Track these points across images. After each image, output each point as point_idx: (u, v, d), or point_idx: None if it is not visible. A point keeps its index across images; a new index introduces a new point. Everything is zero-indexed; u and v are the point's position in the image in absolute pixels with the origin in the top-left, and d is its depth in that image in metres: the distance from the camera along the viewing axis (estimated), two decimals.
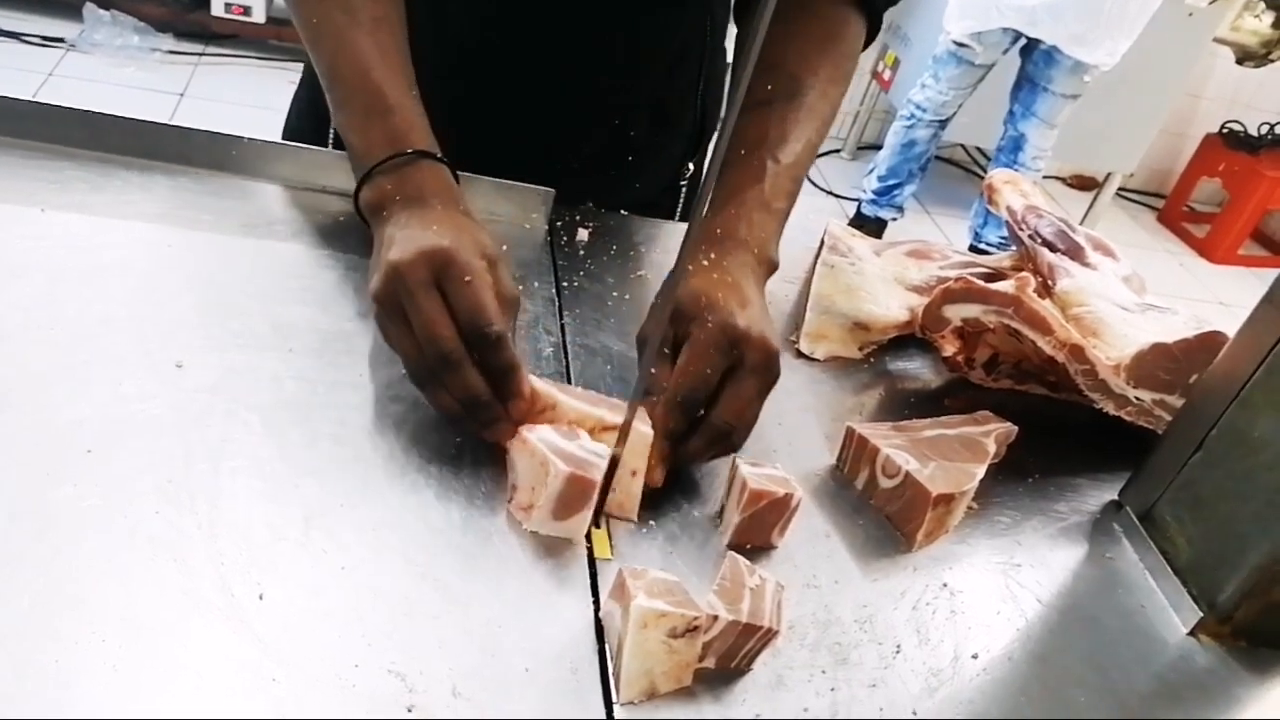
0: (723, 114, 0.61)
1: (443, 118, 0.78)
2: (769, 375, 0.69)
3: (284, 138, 1.06)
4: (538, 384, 0.66)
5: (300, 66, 1.07)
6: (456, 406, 0.64)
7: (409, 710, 0.50)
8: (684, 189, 1.14)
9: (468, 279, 0.64)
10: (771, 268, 0.78)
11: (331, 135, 1.01)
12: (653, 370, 0.68)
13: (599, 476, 0.61)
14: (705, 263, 0.73)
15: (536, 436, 0.63)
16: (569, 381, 0.76)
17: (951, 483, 0.70)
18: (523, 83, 0.96)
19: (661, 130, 1.05)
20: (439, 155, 0.74)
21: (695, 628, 0.55)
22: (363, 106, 0.75)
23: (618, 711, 0.54)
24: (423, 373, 0.64)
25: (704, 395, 0.67)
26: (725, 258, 0.74)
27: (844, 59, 0.88)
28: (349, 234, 0.84)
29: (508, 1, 0.93)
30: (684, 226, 0.93)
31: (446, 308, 0.64)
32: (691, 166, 1.13)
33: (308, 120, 1.04)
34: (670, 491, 0.68)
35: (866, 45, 0.92)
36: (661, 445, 0.66)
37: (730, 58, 1.06)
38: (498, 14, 0.93)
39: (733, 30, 1.03)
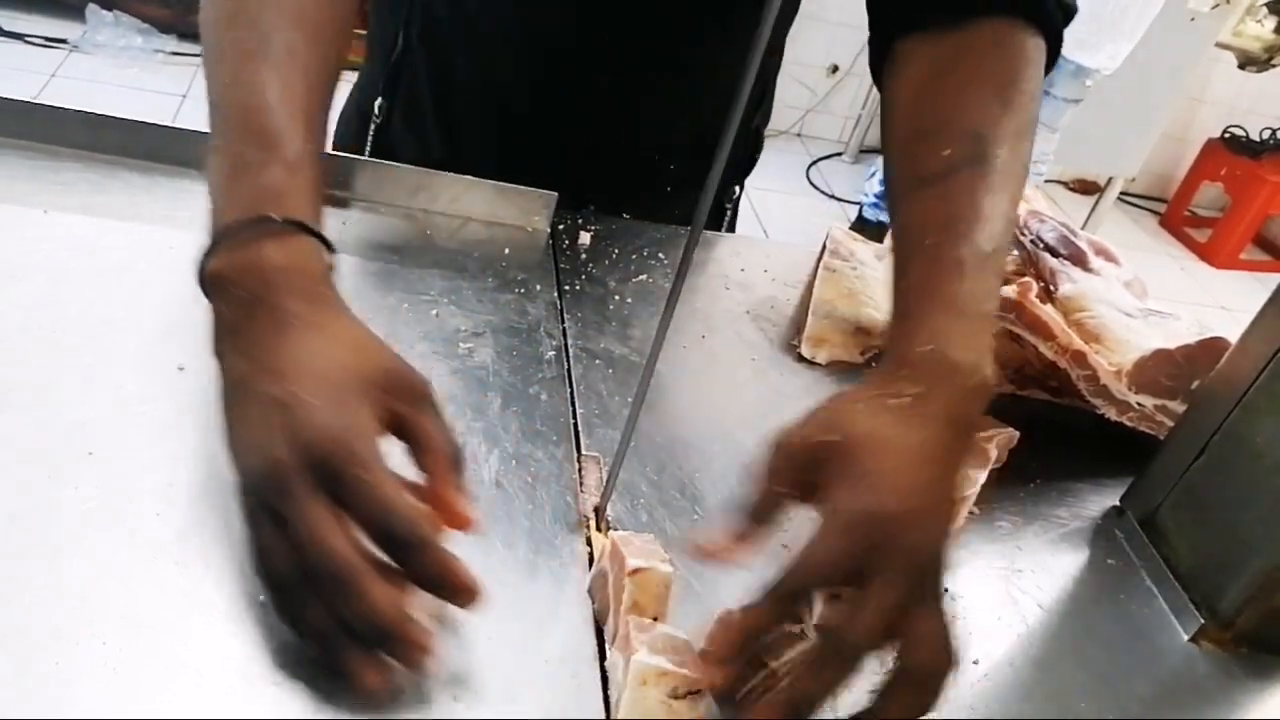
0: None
1: (475, 145, 0.71)
2: (939, 590, 0.53)
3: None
4: None
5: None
6: (334, 636, 0.48)
7: (408, 713, 0.50)
8: (729, 210, 1.11)
9: (364, 468, 0.49)
10: (990, 396, 0.57)
11: (370, 141, 0.99)
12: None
13: None
14: (898, 399, 0.54)
15: None
16: (569, 386, 0.76)
17: None
18: (558, 113, 0.94)
19: (703, 163, 1.04)
20: (312, 227, 0.56)
21: (697, 691, 0.51)
22: (239, 153, 0.57)
23: (616, 714, 0.54)
24: (297, 597, 0.48)
25: (826, 585, 0.53)
26: (930, 393, 0.55)
27: (1030, 102, 0.69)
28: (350, 237, 0.84)
29: (547, 35, 0.90)
30: (686, 230, 0.93)
31: (333, 510, 0.48)
32: (738, 190, 1.11)
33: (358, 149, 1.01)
34: (671, 494, 0.68)
35: (1048, 71, 0.74)
36: (738, 641, 0.51)
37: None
38: (549, 70, 0.91)
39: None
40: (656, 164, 0.99)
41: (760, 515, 0.54)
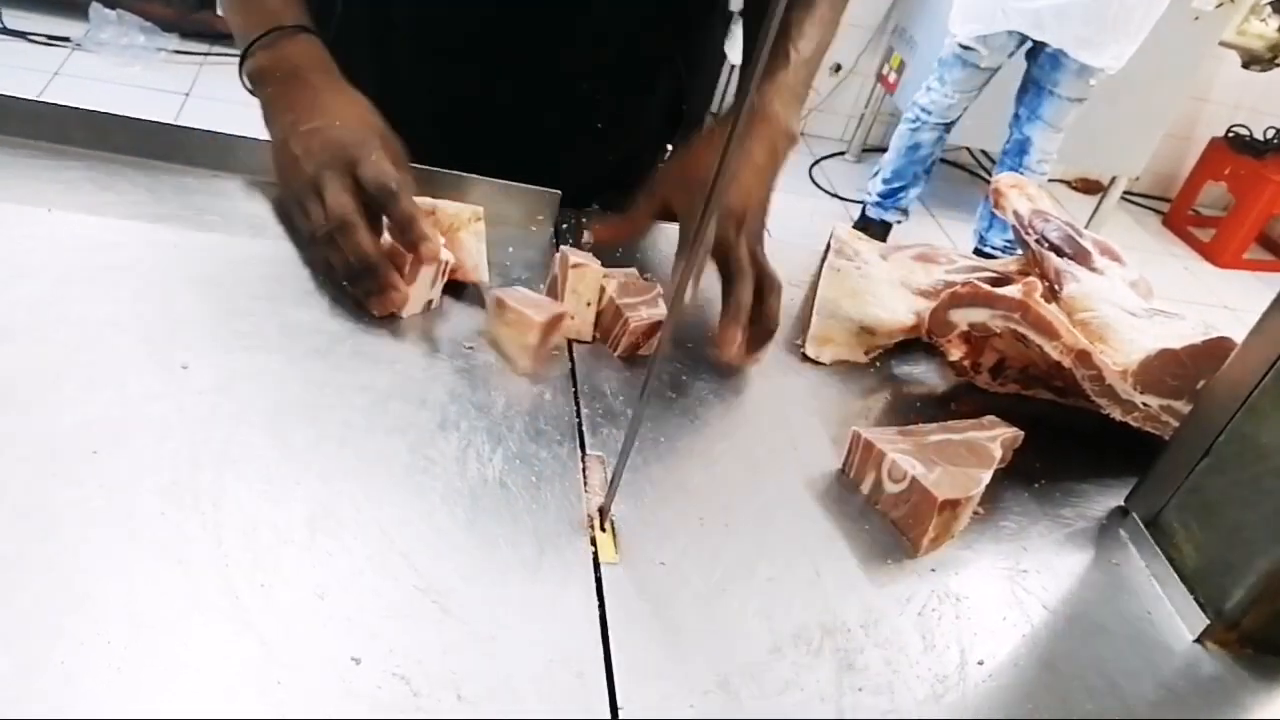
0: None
1: (398, 80, 0.89)
2: (749, 222, 0.83)
3: None
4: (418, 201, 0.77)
5: None
6: (348, 266, 0.74)
7: (413, 713, 0.50)
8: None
9: (374, 160, 0.75)
10: (793, 141, 0.90)
11: None
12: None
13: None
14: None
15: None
16: (573, 386, 0.76)
17: (958, 488, 0.70)
18: (474, 53, 0.98)
19: (628, 100, 1.08)
20: (310, 28, 0.84)
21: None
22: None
23: (623, 714, 0.54)
24: (324, 237, 0.75)
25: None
26: (753, 135, 0.86)
27: None
28: None
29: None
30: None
31: (351, 185, 0.75)
32: (671, 147, 1.14)
33: None
34: (675, 494, 0.68)
35: None
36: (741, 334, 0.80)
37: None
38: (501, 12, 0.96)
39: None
40: (579, 97, 1.04)
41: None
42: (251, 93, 0.84)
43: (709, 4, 1.08)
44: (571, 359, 0.78)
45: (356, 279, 0.75)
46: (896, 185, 3.45)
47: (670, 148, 1.14)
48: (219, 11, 0.99)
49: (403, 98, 0.85)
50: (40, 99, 0.83)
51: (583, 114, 1.05)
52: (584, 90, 1.03)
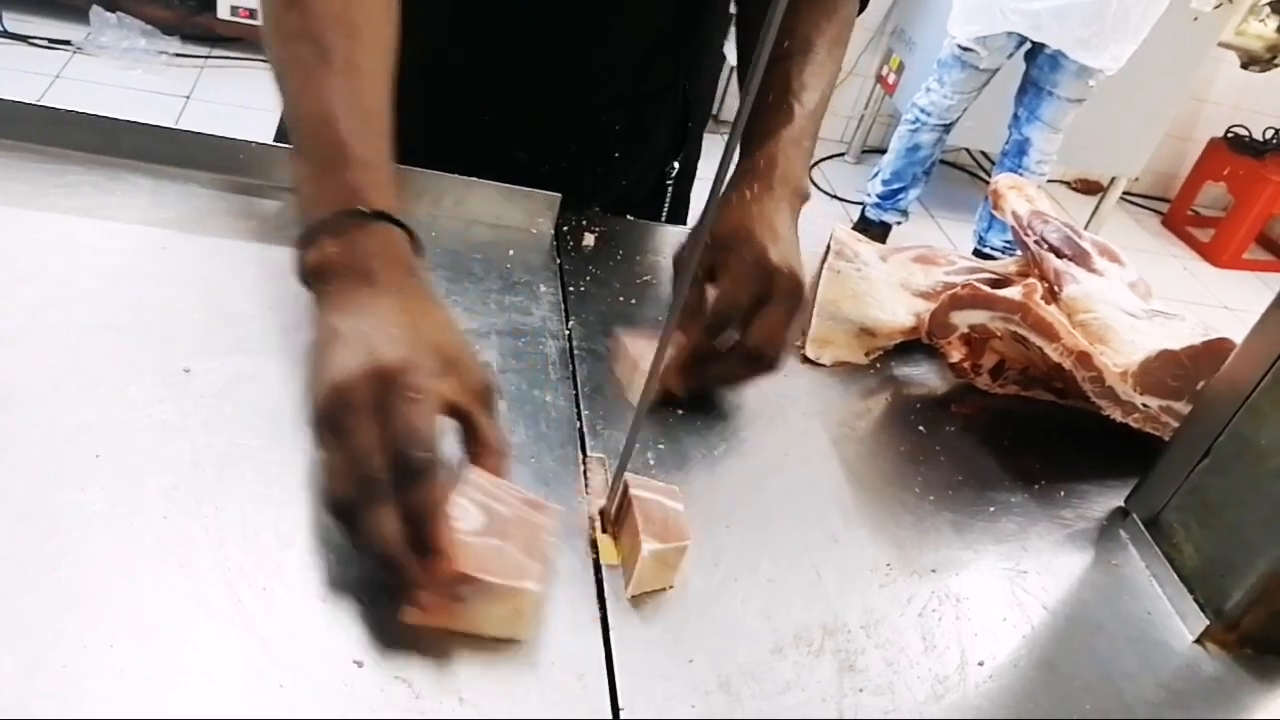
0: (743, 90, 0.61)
1: (414, 115, 0.74)
2: (795, 301, 0.76)
3: (276, 138, 1.06)
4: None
5: None
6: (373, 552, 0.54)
7: (415, 716, 0.50)
8: (670, 188, 1.14)
9: (413, 397, 0.55)
10: (804, 199, 0.86)
11: None
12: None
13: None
14: (747, 195, 0.81)
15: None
16: (574, 388, 0.76)
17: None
18: (494, 79, 0.97)
19: (642, 125, 1.07)
20: (398, 219, 0.64)
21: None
22: (320, 157, 0.65)
23: (624, 714, 0.54)
24: (341, 504, 0.54)
25: (735, 317, 0.75)
26: (764, 193, 0.81)
27: (844, 26, 0.99)
28: None
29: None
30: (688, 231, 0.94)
31: (382, 432, 0.54)
32: (677, 165, 1.14)
33: None
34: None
35: (860, 11, 1.02)
36: (687, 361, 0.75)
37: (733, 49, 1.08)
38: (467, 9, 0.94)
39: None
40: (595, 125, 1.03)
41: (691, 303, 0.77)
42: (306, 281, 0.64)
43: (713, 25, 1.08)
44: (573, 361, 0.78)
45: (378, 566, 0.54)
46: (896, 186, 3.45)
47: (676, 165, 1.13)
48: (265, 42, 0.71)
49: (410, 129, 0.73)
50: (41, 103, 0.83)
51: (595, 144, 1.04)
52: (597, 122, 1.02)
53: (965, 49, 3.15)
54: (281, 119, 1.09)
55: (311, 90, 0.67)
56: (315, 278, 0.63)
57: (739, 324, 0.75)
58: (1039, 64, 3.18)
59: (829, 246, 0.97)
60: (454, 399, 0.58)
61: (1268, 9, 3.68)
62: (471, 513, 0.57)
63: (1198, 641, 0.69)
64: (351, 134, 0.65)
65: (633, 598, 0.60)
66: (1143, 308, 0.89)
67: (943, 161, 3.85)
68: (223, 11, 3.49)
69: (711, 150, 0.90)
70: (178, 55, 3.52)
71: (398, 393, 0.55)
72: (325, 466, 0.55)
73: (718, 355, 0.76)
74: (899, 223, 3.53)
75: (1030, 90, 3.26)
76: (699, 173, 1.16)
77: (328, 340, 0.58)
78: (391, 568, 0.53)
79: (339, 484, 0.54)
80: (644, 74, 1.03)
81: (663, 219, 1.14)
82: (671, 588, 0.62)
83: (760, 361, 0.75)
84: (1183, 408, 0.80)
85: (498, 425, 0.61)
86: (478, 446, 0.60)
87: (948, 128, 3.37)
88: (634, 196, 1.09)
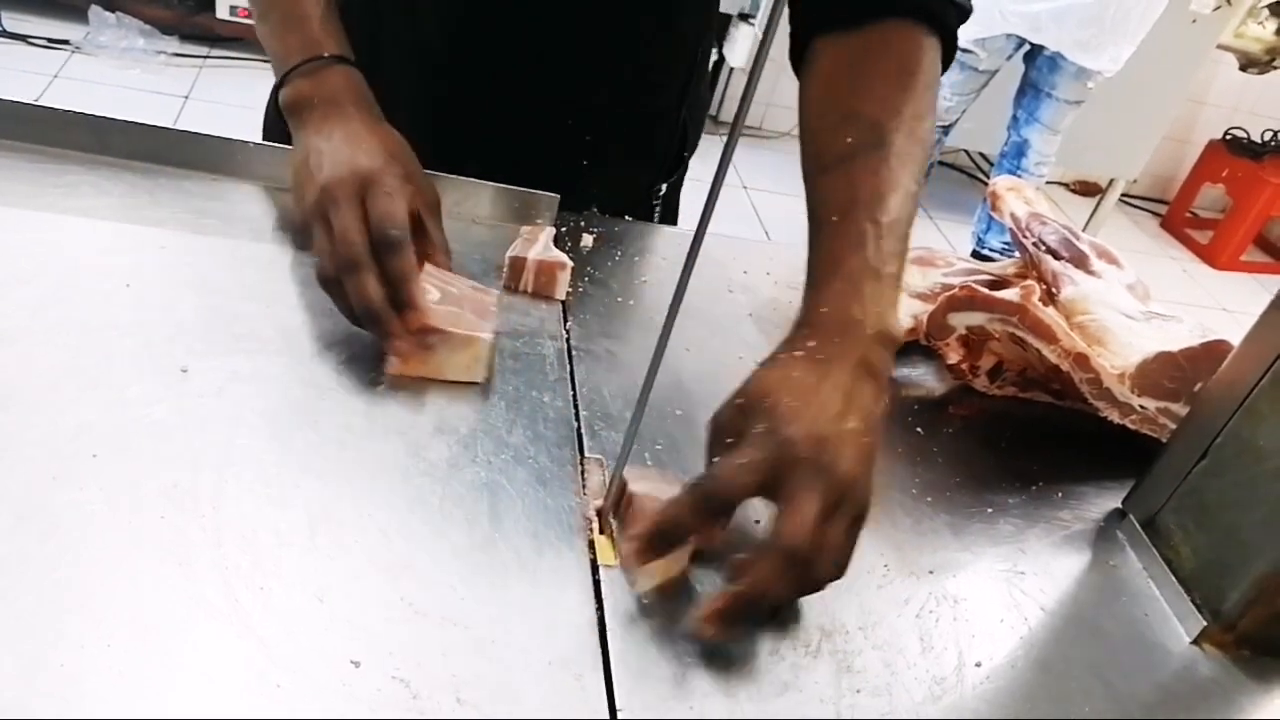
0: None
1: (417, 122, 0.81)
2: (858, 511, 0.60)
3: (264, 136, 1.06)
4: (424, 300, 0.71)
5: None
6: (352, 311, 0.70)
7: (413, 715, 0.50)
8: (657, 207, 1.12)
9: (387, 192, 0.71)
10: (895, 343, 0.66)
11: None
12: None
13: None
14: (799, 352, 0.63)
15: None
16: (572, 389, 0.76)
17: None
18: (495, 94, 0.96)
19: (636, 145, 1.05)
20: (351, 60, 0.81)
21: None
22: (280, 16, 0.83)
23: (621, 715, 0.54)
24: (329, 275, 0.70)
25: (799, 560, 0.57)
26: (828, 344, 0.63)
27: (926, 91, 0.77)
28: None
29: (481, 10, 0.93)
30: (689, 233, 0.94)
31: (364, 219, 0.70)
32: (665, 187, 1.12)
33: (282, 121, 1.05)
34: None
35: (944, 69, 0.82)
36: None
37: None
38: (471, 23, 0.94)
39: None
40: (588, 144, 1.01)
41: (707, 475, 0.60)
42: (285, 119, 0.80)
43: (707, 53, 1.06)
44: (571, 361, 0.78)
45: (362, 324, 0.70)
46: None
47: (664, 187, 1.12)
48: (254, 24, 0.90)
49: (411, 131, 0.81)
50: (40, 102, 0.83)
51: (583, 156, 1.02)
52: (589, 138, 1.01)
53: (964, 50, 3.15)
54: (266, 114, 1.09)
55: None
56: (293, 111, 0.79)
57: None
58: (1038, 66, 3.19)
59: None
60: (412, 205, 0.74)
61: (1266, 11, 3.68)
62: (431, 291, 0.72)
63: (1195, 643, 0.69)
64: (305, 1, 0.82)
65: (631, 598, 0.60)
66: (1141, 309, 0.89)
67: (941, 163, 3.86)
68: (222, 11, 3.49)
69: (709, 151, 0.88)
70: (176, 55, 3.52)
71: (376, 189, 0.71)
72: (318, 251, 0.71)
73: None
74: None
75: (1029, 92, 3.27)
76: (691, 172, 1.15)
77: (312, 154, 0.75)
78: (374, 322, 0.68)
79: (329, 262, 0.70)
80: (645, 90, 1.02)
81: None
82: (685, 571, 0.62)
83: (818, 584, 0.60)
84: (1180, 409, 0.80)
85: (442, 230, 0.78)
86: (428, 246, 0.76)
87: (946, 129, 3.37)
88: (615, 211, 1.06)
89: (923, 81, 0.77)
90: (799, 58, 0.84)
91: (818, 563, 0.57)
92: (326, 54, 0.79)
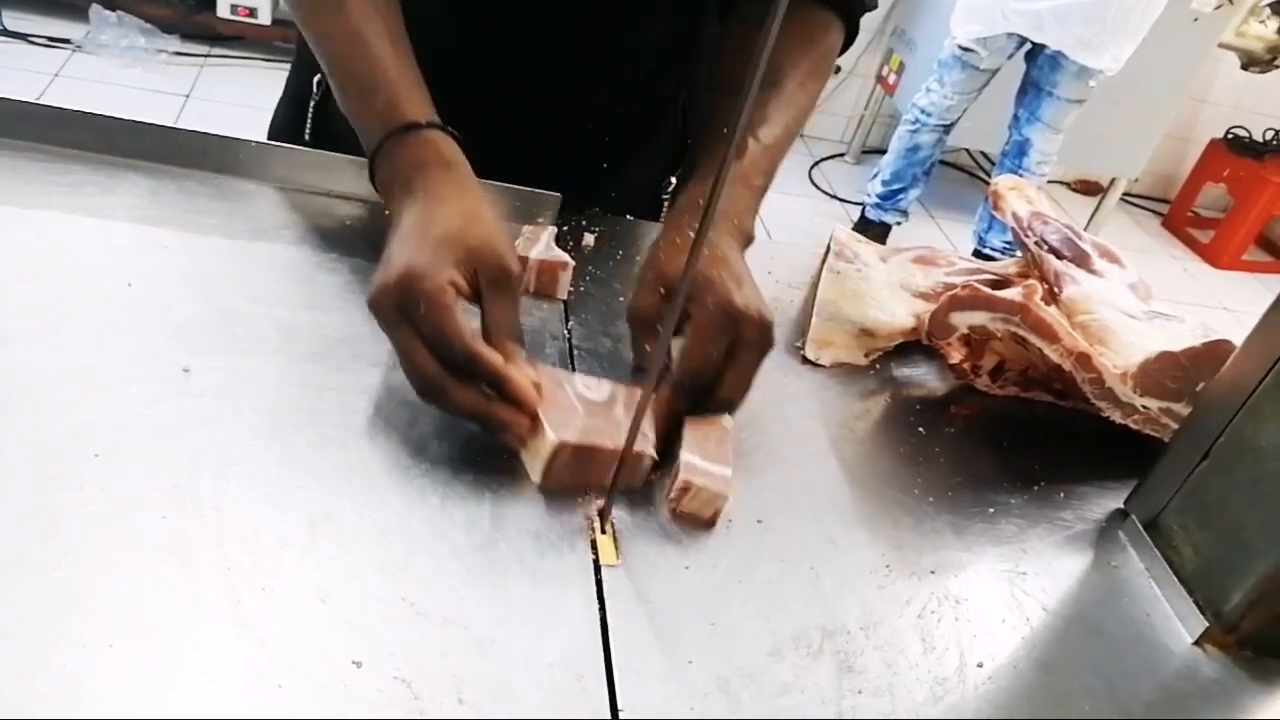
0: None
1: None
2: (766, 347, 0.72)
3: (270, 135, 1.06)
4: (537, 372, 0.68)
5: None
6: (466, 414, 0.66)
7: (414, 716, 0.50)
8: (666, 202, 1.13)
9: (428, 308, 0.63)
10: (748, 241, 0.81)
11: (310, 120, 1.03)
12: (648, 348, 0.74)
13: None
14: (691, 234, 0.71)
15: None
16: None
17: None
18: (497, 87, 0.96)
19: (640, 139, 1.06)
20: (432, 121, 0.74)
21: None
22: (357, 90, 0.77)
23: (623, 715, 0.54)
24: (425, 394, 0.65)
25: (711, 376, 0.71)
26: (718, 235, 0.76)
27: (822, 59, 0.93)
28: (355, 238, 0.84)
29: (481, 10, 0.93)
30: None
31: (417, 332, 0.64)
32: (674, 180, 1.12)
33: (290, 122, 1.05)
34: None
35: (843, 51, 0.98)
36: (662, 423, 0.70)
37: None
38: (471, 23, 0.94)
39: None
40: (592, 135, 1.01)
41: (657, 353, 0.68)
42: (380, 191, 0.76)
43: (710, 43, 1.05)
44: (572, 361, 0.78)
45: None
46: (896, 187, 3.45)
47: (674, 180, 1.11)
48: (298, 26, 0.86)
49: None
50: (41, 101, 0.83)
51: (591, 156, 1.02)
52: (594, 133, 1.01)
53: (966, 49, 3.16)
54: (274, 115, 1.09)
55: (338, 41, 0.78)
56: (384, 189, 0.75)
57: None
58: (1039, 65, 3.19)
59: (829, 247, 0.97)
60: (469, 288, 0.67)
61: (1268, 10, 3.68)
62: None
63: (1197, 643, 0.69)
64: (376, 63, 0.76)
65: (633, 598, 0.60)
66: (1142, 309, 0.89)
67: (943, 162, 3.85)
68: (223, 10, 3.49)
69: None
70: (177, 54, 3.52)
71: (419, 305, 0.64)
72: (399, 359, 0.66)
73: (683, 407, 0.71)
74: (899, 223, 3.53)
75: (1030, 91, 3.27)
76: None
77: (386, 253, 0.68)
78: (488, 423, 0.65)
79: (413, 379, 0.65)
80: (646, 86, 1.02)
81: None
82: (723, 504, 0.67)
83: (729, 409, 0.73)
84: (1182, 409, 0.80)
85: (510, 306, 0.68)
86: (492, 329, 0.67)
87: (948, 128, 3.37)
88: (630, 211, 1.07)
89: (822, 51, 0.93)
90: (721, 23, 0.98)
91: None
92: (402, 123, 0.73)
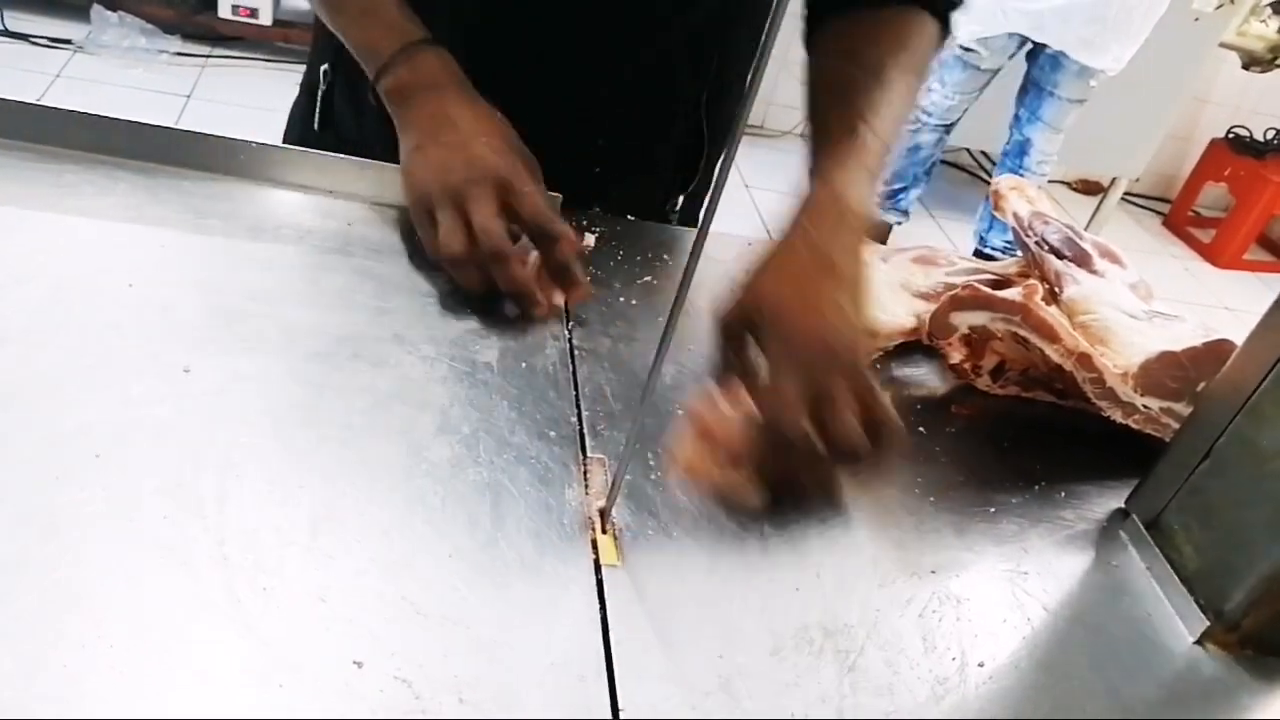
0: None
1: None
2: (855, 381, 0.70)
3: (284, 140, 1.07)
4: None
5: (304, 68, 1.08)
6: (480, 286, 0.78)
7: (415, 716, 0.50)
8: (674, 218, 1.12)
9: (528, 189, 0.78)
10: (865, 222, 0.80)
11: (318, 109, 1.04)
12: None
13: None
14: (810, 232, 0.75)
15: None
16: (574, 388, 0.76)
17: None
18: (496, 87, 0.92)
19: (645, 141, 1.05)
20: (437, 43, 0.85)
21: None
22: (357, 10, 0.88)
23: (624, 715, 0.54)
24: (466, 260, 0.76)
25: (799, 424, 0.66)
26: (830, 232, 0.75)
27: (922, 57, 0.93)
28: (356, 238, 0.84)
29: (481, 10, 0.94)
30: (692, 232, 0.94)
31: (499, 210, 0.77)
32: (682, 199, 1.11)
33: (302, 110, 1.06)
34: (676, 496, 0.68)
35: (939, 49, 0.96)
36: (761, 468, 0.69)
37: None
38: (471, 23, 0.94)
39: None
40: (602, 145, 1.01)
41: (731, 367, 0.73)
42: (383, 107, 0.85)
43: (739, 57, 1.03)
44: (573, 361, 0.78)
45: (503, 297, 0.79)
46: (897, 186, 3.45)
47: (680, 199, 1.11)
48: (319, 16, 0.96)
49: None
50: (42, 102, 0.83)
51: (590, 155, 1.01)
52: (592, 134, 1.00)
53: (966, 49, 3.15)
54: (290, 118, 1.09)
55: None
56: (397, 100, 0.84)
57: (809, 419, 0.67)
58: (1040, 64, 3.18)
59: None
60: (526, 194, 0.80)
61: (1269, 10, 3.68)
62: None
63: (1198, 643, 0.69)
64: None
65: (634, 598, 0.60)
66: (1143, 309, 0.89)
67: (943, 161, 3.85)
68: (224, 11, 3.49)
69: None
70: (179, 54, 3.52)
71: (515, 186, 0.78)
72: (446, 232, 0.77)
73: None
74: (899, 223, 3.53)
75: (1031, 90, 3.27)
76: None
77: (424, 151, 0.80)
78: (528, 300, 0.79)
79: (459, 246, 0.76)
80: (649, 87, 1.00)
81: None
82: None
83: (851, 460, 0.69)
84: (1183, 409, 0.80)
85: (544, 191, 0.83)
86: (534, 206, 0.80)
87: (948, 128, 3.37)
88: (634, 213, 1.05)
89: (922, 51, 0.92)
90: (810, 37, 0.96)
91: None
92: (417, 39, 0.84)
